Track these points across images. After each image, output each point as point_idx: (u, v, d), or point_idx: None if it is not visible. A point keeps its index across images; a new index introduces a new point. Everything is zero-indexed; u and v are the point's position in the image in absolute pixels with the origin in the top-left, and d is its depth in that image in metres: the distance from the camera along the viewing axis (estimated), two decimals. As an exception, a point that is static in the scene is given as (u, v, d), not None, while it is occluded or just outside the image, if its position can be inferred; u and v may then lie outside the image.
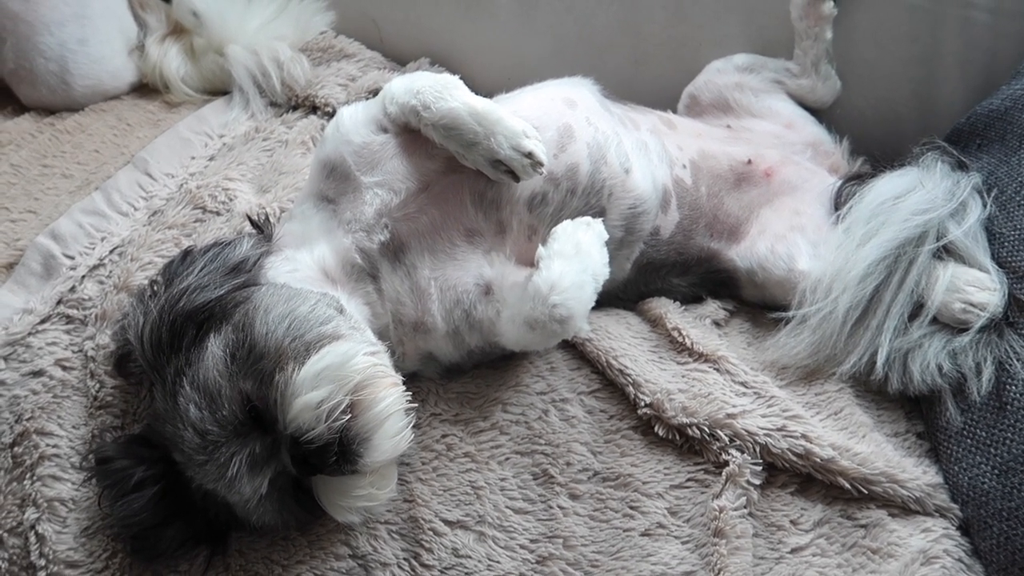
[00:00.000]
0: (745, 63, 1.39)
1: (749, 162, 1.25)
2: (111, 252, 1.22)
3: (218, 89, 1.61)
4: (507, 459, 1.01)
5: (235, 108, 1.55)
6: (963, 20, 1.28)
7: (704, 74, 1.41)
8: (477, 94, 1.61)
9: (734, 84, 1.37)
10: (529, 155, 0.97)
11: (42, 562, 0.93)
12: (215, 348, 0.87)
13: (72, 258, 1.21)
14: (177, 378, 0.87)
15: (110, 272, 1.19)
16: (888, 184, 1.15)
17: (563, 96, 1.13)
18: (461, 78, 1.61)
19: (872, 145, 1.34)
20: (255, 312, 0.90)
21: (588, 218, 1.01)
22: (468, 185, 1.02)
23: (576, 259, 0.95)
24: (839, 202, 1.20)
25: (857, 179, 1.23)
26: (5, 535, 0.96)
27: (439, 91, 0.99)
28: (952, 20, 1.29)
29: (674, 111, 1.41)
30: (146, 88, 1.62)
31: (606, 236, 1.00)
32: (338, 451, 0.84)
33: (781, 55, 1.39)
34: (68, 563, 0.93)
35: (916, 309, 1.06)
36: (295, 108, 1.56)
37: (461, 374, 1.07)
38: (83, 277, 1.18)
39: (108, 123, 1.51)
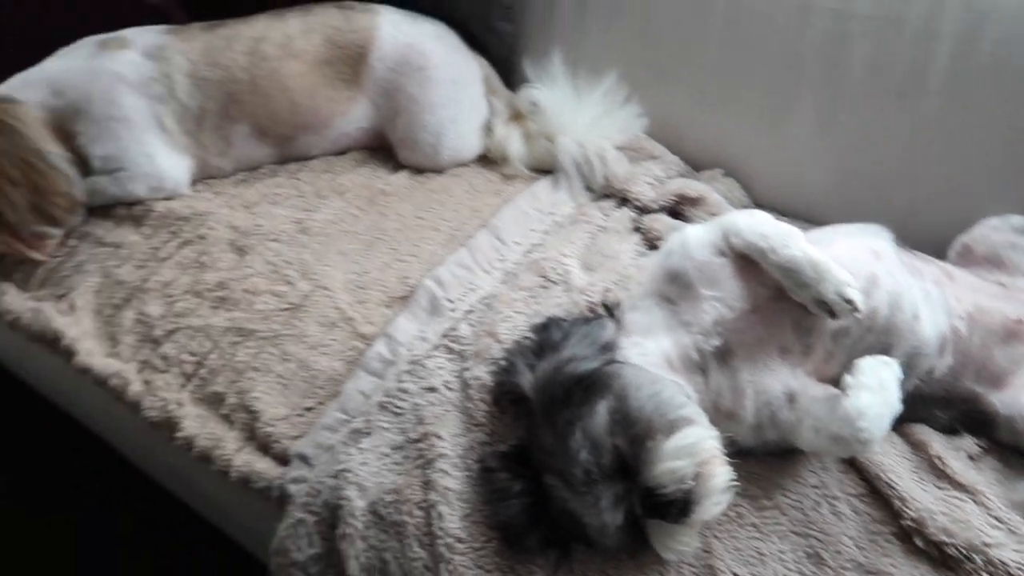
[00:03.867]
0: (1022, 225, 1.57)
1: (1020, 321, 1.44)
2: (478, 301, 1.57)
3: (542, 168, 1.96)
4: (786, 536, 1.26)
5: (560, 190, 1.89)
6: None
7: (980, 228, 1.60)
8: (758, 205, 1.90)
9: (1009, 243, 1.56)
10: (849, 301, 1.23)
11: (440, 533, 1.26)
12: (602, 410, 1.18)
13: (452, 302, 1.56)
14: (568, 426, 1.18)
15: (479, 319, 1.53)
16: None
17: (871, 248, 1.38)
18: (746, 188, 1.92)
19: None
20: (629, 387, 1.20)
21: (887, 358, 1.24)
22: (790, 313, 1.29)
23: (879, 393, 1.19)
24: (1103, 371, 1.38)
25: (1121, 351, 1.40)
26: (413, 507, 1.30)
27: (784, 240, 1.26)
28: None
29: (941, 256, 1.62)
30: (484, 158, 2.00)
31: (901, 376, 1.24)
32: (680, 506, 1.13)
33: (1057, 222, 1.57)
34: (457, 539, 1.26)
35: None
36: (607, 197, 1.89)
37: (749, 457, 1.34)
38: (460, 319, 1.54)
39: (462, 187, 1.89)
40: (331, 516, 1.35)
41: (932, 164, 1.71)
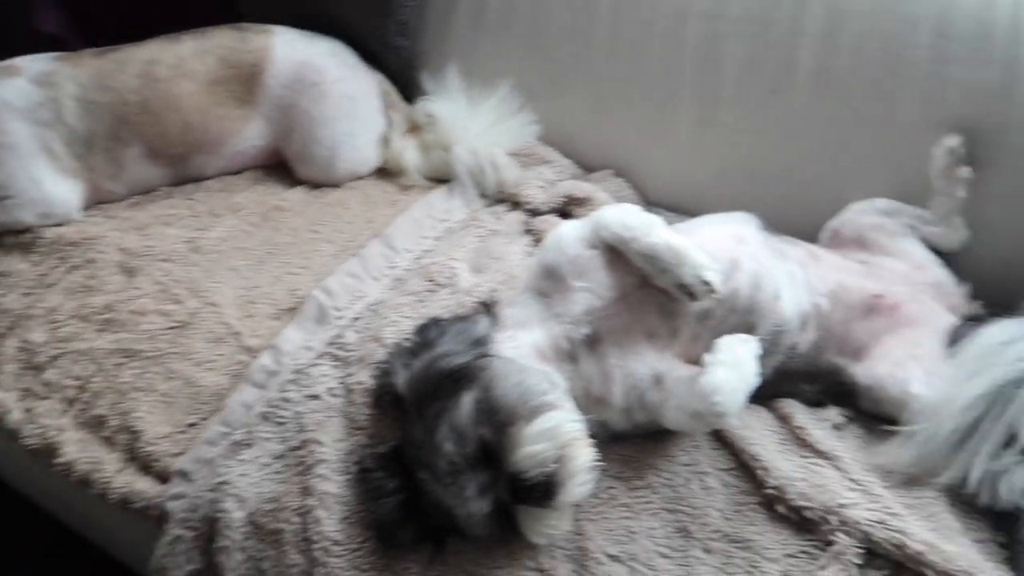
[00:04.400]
0: (885, 207, 1.64)
1: (879, 296, 1.50)
2: (366, 309, 1.60)
3: (440, 177, 1.99)
4: (656, 513, 1.29)
5: (455, 197, 1.92)
6: (1086, 197, 1.51)
7: (847, 212, 1.67)
8: (649, 203, 1.96)
9: (873, 224, 1.63)
10: (707, 283, 1.27)
11: (317, 537, 1.28)
12: (467, 401, 1.21)
13: (339, 310, 1.58)
14: (435, 420, 1.21)
15: (366, 325, 1.55)
16: (998, 330, 1.37)
17: (734, 233, 1.44)
18: (637, 188, 1.98)
19: (989, 292, 1.56)
20: (495, 378, 1.23)
21: (746, 335, 1.28)
22: (655, 298, 1.33)
23: (735, 369, 1.23)
24: (954, 339, 1.43)
25: (972, 321, 1.46)
26: (290, 514, 1.31)
27: (646, 228, 1.30)
28: (1076, 196, 1.52)
29: (814, 240, 1.68)
30: (383, 171, 2.03)
31: (759, 352, 1.28)
32: (543, 489, 1.16)
33: (916, 203, 1.63)
34: (334, 541, 1.27)
35: (1009, 439, 1.28)
36: (500, 202, 1.93)
37: (624, 440, 1.37)
38: (346, 327, 1.56)
39: (358, 199, 1.91)
40: (209, 530, 1.35)
41: (805, 156, 1.78)
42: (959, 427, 1.30)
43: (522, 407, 1.20)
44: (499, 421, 1.19)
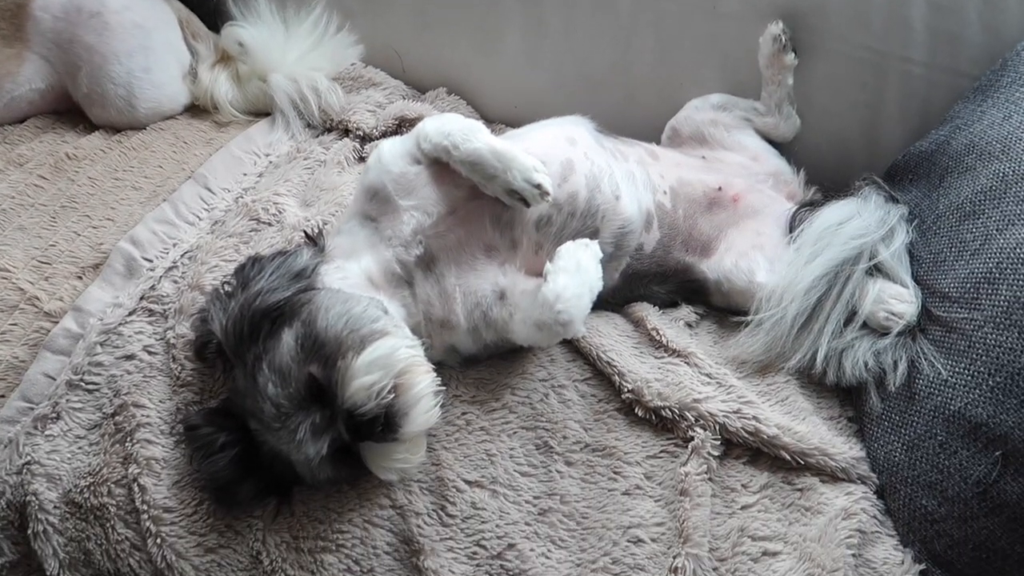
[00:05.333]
0: (719, 102, 1.62)
1: (720, 189, 1.48)
2: (182, 256, 1.44)
3: (261, 111, 1.83)
4: (515, 433, 1.24)
5: (278, 130, 1.77)
6: (902, 72, 1.53)
7: (684, 110, 1.64)
8: (488, 119, 1.87)
9: (709, 120, 1.61)
10: (538, 186, 1.20)
11: (144, 507, 1.16)
12: (288, 339, 1.10)
13: (150, 261, 1.43)
14: (256, 362, 1.10)
15: (183, 273, 1.41)
16: (833, 212, 1.38)
17: (565, 135, 1.37)
18: (473, 104, 1.88)
19: (825, 176, 1.58)
20: (318, 311, 1.12)
21: (587, 240, 1.23)
22: (488, 209, 1.25)
23: (577, 274, 1.17)
24: (793, 225, 1.43)
25: (809, 206, 1.46)
26: (112, 486, 1.19)
27: (466, 134, 1.21)
28: (893, 72, 1.53)
29: (658, 141, 1.65)
30: (197, 109, 1.84)
31: (601, 255, 1.22)
32: (384, 423, 1.07)
33: (750, 96, 1.62)
34: (165, 508, 1.16)
35: (850, 316, 1.29)
36: (329, 131, 1.79)
37: (477, 363, 1.30)
38: (160, 277, 1.40)
39: (168, 141, 1.72)
40: (19, 517, 1.20)
41: (637, 55, 1.72)
42: (803, 310, 1.30)
43: (349, 337, 1.09)
44: (326, 355, 1.09)
